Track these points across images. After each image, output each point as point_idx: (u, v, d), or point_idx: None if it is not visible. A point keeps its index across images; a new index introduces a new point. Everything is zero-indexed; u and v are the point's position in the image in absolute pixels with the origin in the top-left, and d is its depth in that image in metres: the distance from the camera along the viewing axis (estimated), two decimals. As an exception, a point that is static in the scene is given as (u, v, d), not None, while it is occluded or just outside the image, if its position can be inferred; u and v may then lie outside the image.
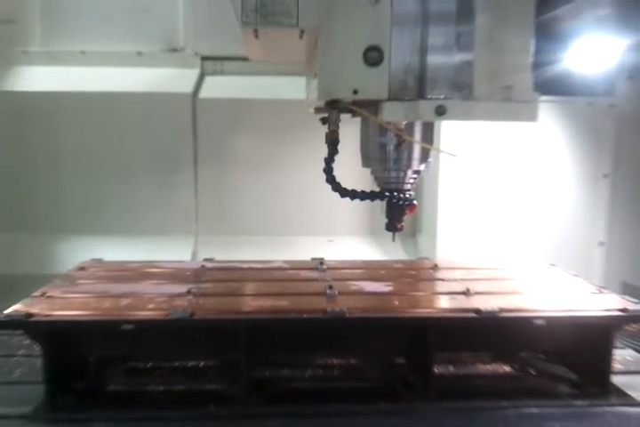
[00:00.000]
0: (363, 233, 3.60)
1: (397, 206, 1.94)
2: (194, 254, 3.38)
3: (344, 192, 1.87)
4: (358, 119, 1.89)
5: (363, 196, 1.90)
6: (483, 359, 1.98)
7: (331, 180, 1.85)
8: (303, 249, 3.38)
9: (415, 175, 1.94)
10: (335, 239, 3.58)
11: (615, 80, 3.24)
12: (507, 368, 1.96)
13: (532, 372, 1.94)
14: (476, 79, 1.68)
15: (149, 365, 1.93)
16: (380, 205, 1.99)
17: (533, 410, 1.67)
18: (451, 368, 1.94)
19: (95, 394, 1.78)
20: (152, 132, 3.37)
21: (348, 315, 1.68)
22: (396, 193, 1.92)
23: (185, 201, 3.45)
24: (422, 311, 1.78)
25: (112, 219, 3.42)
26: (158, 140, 3.39)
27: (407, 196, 1.93)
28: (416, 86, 1.69)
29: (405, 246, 3.56)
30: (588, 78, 2.99)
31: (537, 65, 1.74)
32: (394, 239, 2.05)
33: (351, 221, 3.58)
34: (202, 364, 1.94)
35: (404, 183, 1.93)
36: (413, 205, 1.95)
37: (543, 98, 1.73)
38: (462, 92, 1.69)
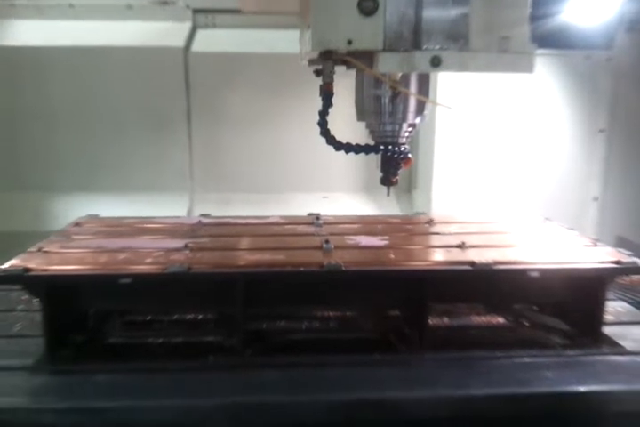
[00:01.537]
0: (357, 189, 3.60)
1: (392, 160, 1.93)
2: (189, 212, 3.38)
3: (338, 145, 1.86)
4: (353, 73, 1.87)
5: (357, 149, 1.88)
6: (477, 311, 2.01)
7: (325, 132, 1.84)
8: (298, 206, 3.38)
9: (410, 129, 1.92)
10: (330, 196, 3.58)
11: (614, 33, 3.18)
12: (501, 320, 1.98)
13: (526, 323, 1.96)
14: (473, 31, 1.66)
15: (148, 318, 1.95)
16: (374, 161, 1.98)
17: (526, 360, 1.70)
18: (445, 320, 1.97)
19: (95, 347, 1.80)
20: (144, 87, 3.32)
21: (344, 268, 1.69)
22: (391, 146, 1.91)
23: (179, 158, 3.42)
24: (417, 264, 1.79)
25: (106, 176, 3.40)
26: (150, 96, 3.34)
27: (402, 149, 1.92)
28: (411, 37, 1.66)
29: (400, 202, 3.56)
30: (586, 31, 2.95)
31: (534, 17, 1.72)
32: (388, 193, 2.05)
33: (346, 177, 3.57)
34: (200, 317, 1.96)
35: (399, 137, 1.91)
36: (408, 158, 1.94)
37: (540, 51, 1.71)
38: (458, 43, 1.66)
